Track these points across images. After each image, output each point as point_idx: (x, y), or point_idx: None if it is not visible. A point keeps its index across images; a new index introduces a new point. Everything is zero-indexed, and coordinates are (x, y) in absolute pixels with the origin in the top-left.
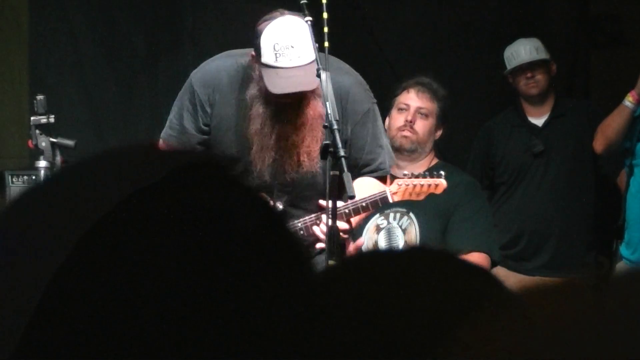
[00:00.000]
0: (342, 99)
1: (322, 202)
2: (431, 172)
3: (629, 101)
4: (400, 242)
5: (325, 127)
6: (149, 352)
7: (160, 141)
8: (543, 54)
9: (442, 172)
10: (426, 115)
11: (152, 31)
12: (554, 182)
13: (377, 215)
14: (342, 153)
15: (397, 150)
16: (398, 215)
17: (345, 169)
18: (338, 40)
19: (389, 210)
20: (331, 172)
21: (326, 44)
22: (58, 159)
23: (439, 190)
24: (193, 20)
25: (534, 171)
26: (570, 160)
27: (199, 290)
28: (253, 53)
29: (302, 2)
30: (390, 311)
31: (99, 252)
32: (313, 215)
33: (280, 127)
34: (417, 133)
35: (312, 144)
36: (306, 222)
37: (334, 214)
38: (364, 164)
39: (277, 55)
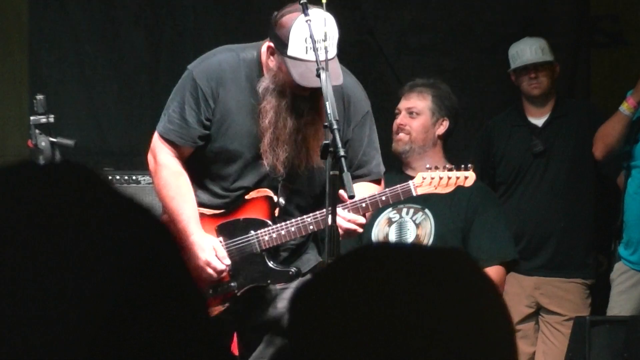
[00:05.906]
0: (345, 99)
1: (343, 196)
2: (457, 165)
3: (629, 110)
4: (411, 236)
5: (325, 126)
6: None
7: (156, 136)
8: (548, 56)
9: (470, 165)
10: (417, 114)
11: (154, 30)
12: (553, 182)
13: (390, 209)
14: (341, 153)
15: (396, 155)
16: (412, 210)
17: (345, 168)
18: (338, 40)
19: (402, 206)
20: (331, 172)
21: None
22: (58, 158)
23: (468, 183)
24: (194, 18)
25: (534, 171)
26: (570, 161)
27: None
28: (270, 44)
29: (302, 1)
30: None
31: None
32: (317, 212)
33: (295, 121)
34: (409, 133)
35: (320, 138)
36: (309, 218)
37: (334, 214)
38: (359, 165)
39: (308, 48)
